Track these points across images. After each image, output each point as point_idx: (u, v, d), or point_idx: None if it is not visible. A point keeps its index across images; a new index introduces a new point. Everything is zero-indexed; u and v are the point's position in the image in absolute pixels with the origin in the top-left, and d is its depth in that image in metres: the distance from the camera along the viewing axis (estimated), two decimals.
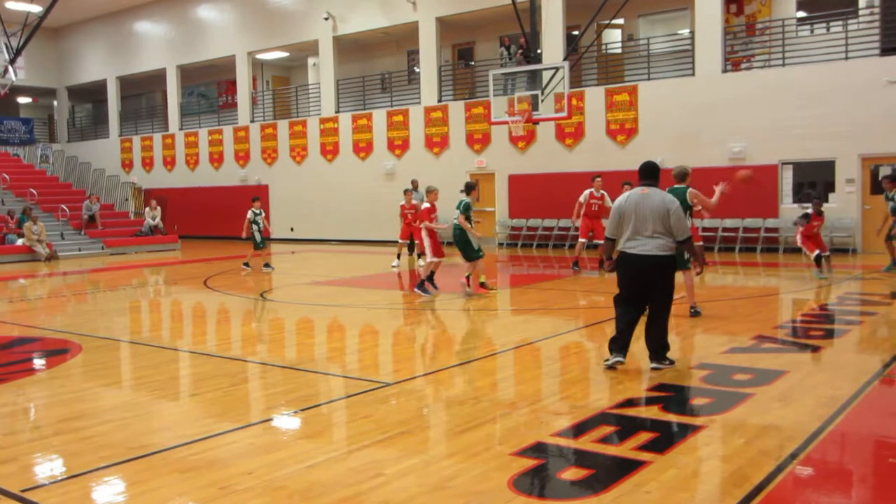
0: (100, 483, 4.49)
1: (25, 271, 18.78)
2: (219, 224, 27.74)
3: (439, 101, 23.33)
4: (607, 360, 6.78)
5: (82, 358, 8.08)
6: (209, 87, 31.53)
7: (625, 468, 4.46)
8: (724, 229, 18.47)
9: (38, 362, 8.25)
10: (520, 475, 4.39)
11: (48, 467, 4.86)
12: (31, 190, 25.85)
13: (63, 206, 24.88)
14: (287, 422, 5.71)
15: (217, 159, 29.03)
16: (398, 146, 24.10)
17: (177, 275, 16.19)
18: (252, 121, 28.17)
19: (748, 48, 19.43)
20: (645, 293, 6.72)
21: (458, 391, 6.58)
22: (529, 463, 4.60)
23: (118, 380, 7.43)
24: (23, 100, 36.67)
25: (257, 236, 16.19)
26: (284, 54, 28.45)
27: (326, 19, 25.03)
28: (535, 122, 18.68)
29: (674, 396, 6.02)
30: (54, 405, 6.31)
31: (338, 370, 7.53)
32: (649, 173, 6.86)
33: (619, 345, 6.74)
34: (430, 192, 12.30)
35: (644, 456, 4.67)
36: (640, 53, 20.92)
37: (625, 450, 4.80)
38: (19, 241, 21.43)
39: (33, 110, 37.33)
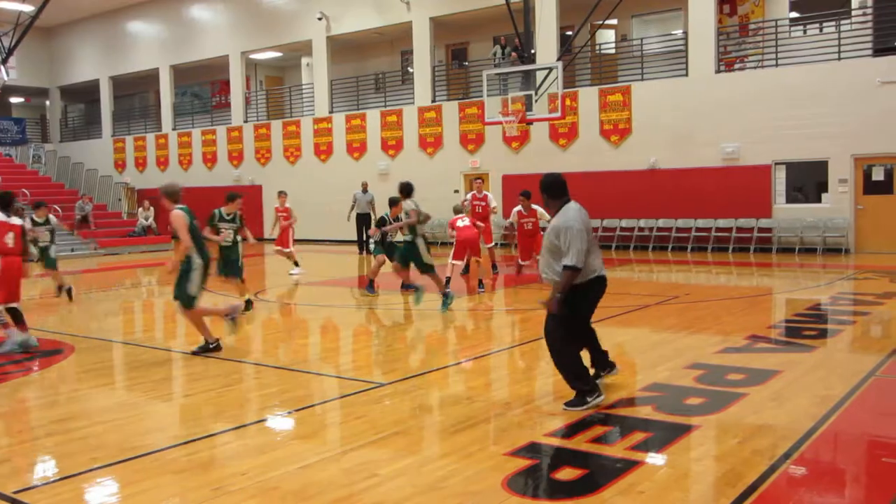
0: (93, 484, 4.48)
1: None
2: None
3: (433, 101, 23.33)
4: (590, 399, 5.68)
5: (75, 359, 8.04)
6: (202, 87, 31.44)
7: (619, 468, 4.47)
8: (718, 229, 18.51)
9: (31, 363, 8.21)
10: (514, 475, 4.39)
11: (41, 469, 4.84)
12: (24, 190, 25.70)
13: (55, 207, 24.75)
14: (281, 422, 5.69)
15: (210, 159, 28.97)
16: (392, 146, 24.09)
17: (170, 275, 16.13)
18: (245, 121, 28.12)
19: (741, 49, 19.47)
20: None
21: (453, 391, 6.58)
22: (523, 463, 4.61)
23: (111, 381, 7.40)
24: (15, 100, 36.51)
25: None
26: (278, 54, 28.40)
27: (320, 19, 24.99)
28: (529, 123, 18.69)
29: (667, 396, 6.03)
30: (47, 406, 6.28)
31: (332, 371, 7.52)
32: (566, 187, 5.90)
33: (594, 379, 6.01)
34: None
35: (638, 456, 4.68)
36: (634, 54, 20.95)
37: (619, 450, 4.80)
38: None
39: (25, 110, 37.18)
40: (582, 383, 5.71)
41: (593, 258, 5.75)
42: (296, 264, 15.70)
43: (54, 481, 4.52)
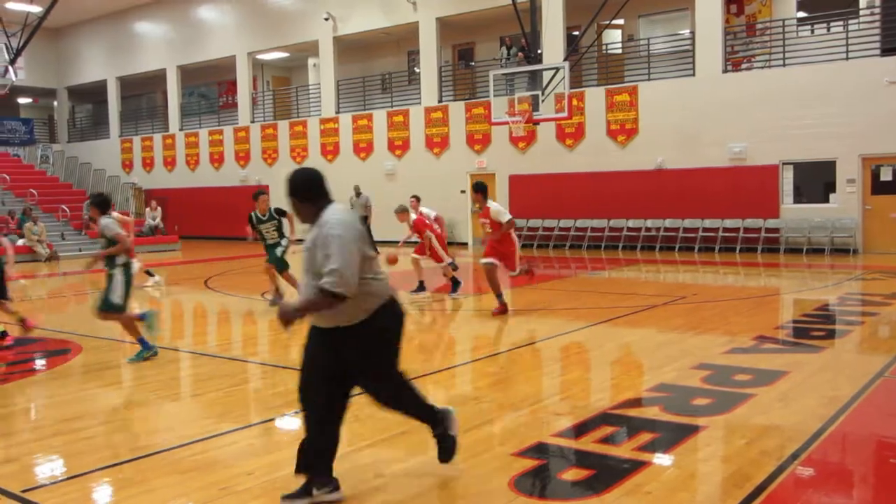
0: (100, 484, 4.49)
1: (26, 271, 18.77)
2: (219, 224, 27.71)
3: (440, 101, 23.33)
4: (318, 491, 4.14)
5: (82, 358, 8.07)
6: (209, 87, 31.52)
7: (626, 468, 4.46)
8: (725, 229, 18.46)
9: (39, 363, 8.24)
10: (521, 476, 4.39)
11: (48, 468, 4.86)
12: (32, 190, 25.84)
13: (63, 207, 24.88)
14: (287, 422, 5.70)
15: (217, 160, 29.03)
16: (398, 147, 24.10)
17: (177, 275, 16.16)
18: (252, 121, 28.17)
19: (748, 48, 19.43)
20: None
21: (459, 392, 6.57)
22: (530, 463, 4.60)
23: (118, 380, 7.42)
24: (23, 100, 36.65)
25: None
26: (285, 55, 28.44)
27: (327, 20, 25.02)
28: (536, 123, 18.68)
29: (674, 397, 6.01)
30: (54, 406, 6.30)
31: None
32: (325, 186, 4.17)
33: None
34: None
35: (645, 456, 4.67)
36: (641, 54, 20.91)
37: (626, 450, 4.79)
38: (20, 242, 21.43)
39: (33, 111, 37.31)
40: (324, 466, 4.18)
41: (371, 278, 4.07)
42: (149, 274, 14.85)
43: (62, 480, 4.54)
